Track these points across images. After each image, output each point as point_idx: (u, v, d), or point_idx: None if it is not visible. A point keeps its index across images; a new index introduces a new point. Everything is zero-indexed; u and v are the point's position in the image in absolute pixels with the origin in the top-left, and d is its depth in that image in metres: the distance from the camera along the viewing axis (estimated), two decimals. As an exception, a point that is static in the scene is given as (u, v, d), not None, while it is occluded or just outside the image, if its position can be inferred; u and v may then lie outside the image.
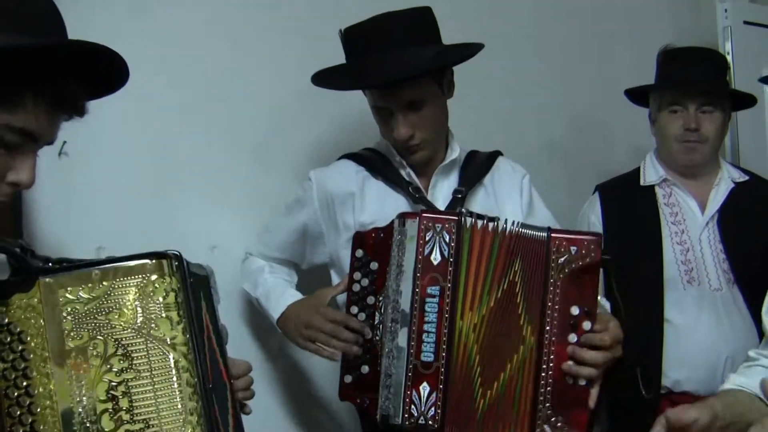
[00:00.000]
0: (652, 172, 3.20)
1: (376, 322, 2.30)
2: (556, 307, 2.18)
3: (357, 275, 2.33)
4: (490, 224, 2.23)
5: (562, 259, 2.17)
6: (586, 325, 2.17)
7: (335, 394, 2.38)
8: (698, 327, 3.00)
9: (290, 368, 3.03)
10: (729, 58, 4.01)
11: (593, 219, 3.20)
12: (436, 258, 2.20)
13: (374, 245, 2.31)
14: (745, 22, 4.17)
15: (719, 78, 3.19)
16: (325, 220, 2.62)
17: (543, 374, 2.17)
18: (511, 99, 3.69)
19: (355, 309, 2.33)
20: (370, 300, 2.31)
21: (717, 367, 2.91)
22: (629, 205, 3.19)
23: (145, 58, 2.72)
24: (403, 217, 2.26)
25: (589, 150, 3.96)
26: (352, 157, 2.67)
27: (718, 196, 3.13)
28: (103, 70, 1.70)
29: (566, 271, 2.17)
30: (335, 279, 2.66)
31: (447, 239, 2.20)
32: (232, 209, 2.91)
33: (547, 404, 2.18)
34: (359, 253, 2.33)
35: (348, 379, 2.33)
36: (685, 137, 3.07)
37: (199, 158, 2.84)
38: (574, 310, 2.18)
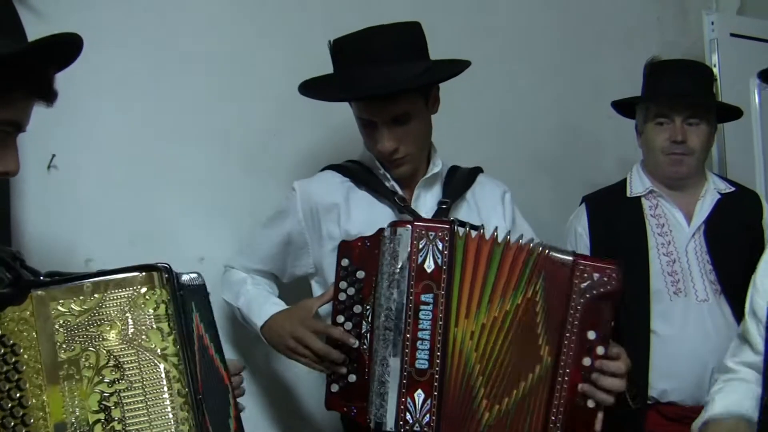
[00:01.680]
0: (638, 184, 3.21)
1: (363, 331, 2.31)
2: (575, 330, 2.22)
3: (343, 284, 2.34)
4: (492, 235, 2.27)
5: (585, 284, 2.21)
6: (600, 350, 2.22)
7: (321, 403, 2.39)
8: (685, 338, 3.01)
9: (274, 379, 3.03)
10: (716, 70, 4.02)
11: (580, 230, 3.21)
12: (429, 266, 2.23)
13: (360, 254, 2.32)
14: (732, 35, 4.19)
15: (706, 90, 3.20)
16: (309, 229, 2.62)
17: (557, 394, 2.21)
18: (498, 110, 3.71)
19: (341, 318, 2.34)
20: (357, 309, 2.32)
21: (704, 378, 2.92)
22: (616, 217, 3.20)
23: (135, 71, 2.75)
24: (394, 225, 2.28)
25: (576, 161, 3.98)
26: (336, 168, 2.68)
27: (704, 207, 3.14)
28: (68, 53, 1.78)
29: (587, 296, 2.21)
30: (316, 290, 2.67)
31: (440, 247, 2.23)
32: (220, 221, 2.92)
33: (558, 424, 2.22)
34: (345, 262, 2.34)
35: (335, 388, 2.35)
36: (671, 149, 3.08)
37: (187, 170, 2.85)
38: (591, 335, 2.22)
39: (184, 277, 1.84)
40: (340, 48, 2.49)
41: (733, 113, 3.27)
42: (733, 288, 2.97)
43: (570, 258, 2.25)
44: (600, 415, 2.23)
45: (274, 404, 3.03)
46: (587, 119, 3.97)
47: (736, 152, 4.09)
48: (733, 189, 3.22)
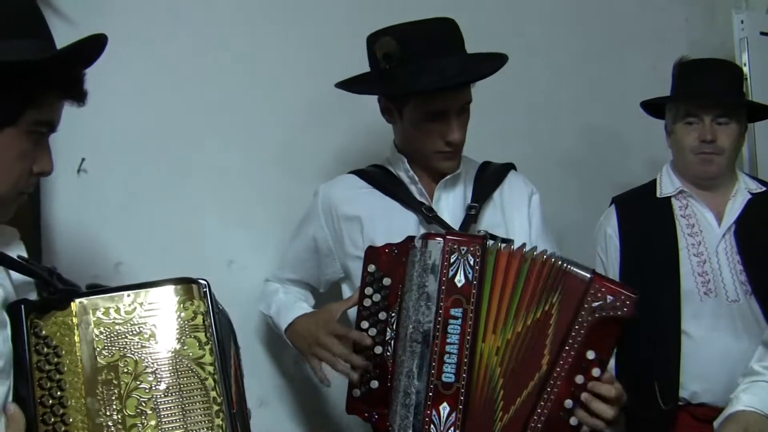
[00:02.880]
0: (668, 184, 3.20)
1: (387, 338, 2.32)
2: (575, 346, 2.21)
3: (368, 290, 2.34)
4: (520, 249, 2.28)
5: (596, 303, 2.21)
6: (596, 372, 2.21)
7: (342, 407, 2.41)
8: (715, 339, 3.00)
9: (298, 381, 3.06)
10: (746, 69, 4.01)
11: (610, 231, 3.20)
12: (460, 280, 2.24)
13: (387, 261, 2.33)
14: (762, 33, 4.16)
15: (735, 89, 3.19)
16: (331, 233, 2.64)
17: (542, 403, 2.22)
18: (526, 111, 3.72)
19: (365, 324, 2.35)
20: (382, 316, 2.33)
21: (735, 379, 2.87)
22: (646, 218, 3.19)
23: (165, 73, 2.77)
24: (426, 237, 2.29)
25: (604, 162, 3.98)
26: (358, 173, 2.69)
27: (734, 207, 3.12)
28: (95, 53, 1.80)
29: (596, 315, 2.21)
30: (346, 293, 2.69)
31: (471, 262, 2.24)
32: (249, 224, 2.95)
33: None
34: (371, 268, 2.34)
35: (356, 393, 2.36)
36: (701, 149, 3.06)
37: (216, 172, 2.88)
38: (590, 354, 2.22)
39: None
40: (408, 43, 2.44)
41: (764, 112, 3.25)
42: (764, 289, 2.96)
43: (588, 275, 2.25)
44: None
45: (298, 404, 3.06)
46: (615, 120, 3.96)
47: (766, 151, 4.07)
48: (764, 189, 3.20)
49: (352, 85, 2.60)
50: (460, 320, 2.23)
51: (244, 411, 1.91)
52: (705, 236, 3.10)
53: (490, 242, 2.29)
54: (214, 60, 2.87)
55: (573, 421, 2.21)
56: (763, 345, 2.42)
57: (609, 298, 2.21)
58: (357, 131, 3.08)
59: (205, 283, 1.75)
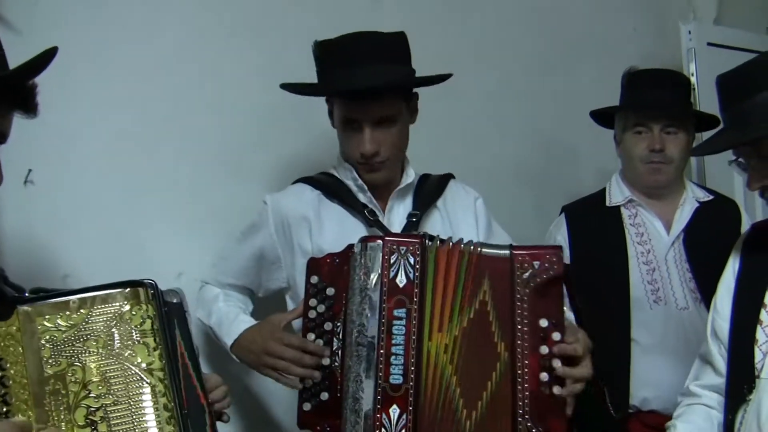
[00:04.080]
0: (617, 193, 3.23)
1: (334, 348, 2.30)
2: (525, 321, 2.22)
3: (313, 302, 2.32)
4: (457, 245, 2.28)
5: (526, 274, 2.23)
6: (556, 336, 2.22)
7: (294, 422, 2.37)
8: (665, 346, 3.03)
9: (247, 397, 3.01)
10: (693, 79, 4.06)
11: (560, 239, 3.22)
12: (401, 280, 2.23)
13: (330, 271, 2.32)
14: (709, 44, 4.23)
15: (683, 99, 3.23)
16: (281, 243, 2.61)
17: (519, 387, 2.21)
18: (477, 120, 3.72)
19: (311, 336, 2.32)
20: (327, 326, 2.31)
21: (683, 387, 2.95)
22: (595, 226, 3.22)
23: (112, 84, 2.74)
24: (365, 240, 2.29)
25: (554, 171, 4.00)
26: (307, 181, 2.67)
27: (683, 216, 3.17)
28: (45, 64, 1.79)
29: (531, 285, 2.23)
30: (290, 305, 2.66)
31: (412, 261, 2.24)
32: (199, 235, 2.90)
33: (526, 416, 2.21)
34: (314, 279, 2.32)
35: (307, 406, 2.32)
36: (649, 158, 3.10)
37: (165, 184, 2.84)
38: (543, 323, 2.22)
39: (167, 296, 1.84)
40: (326, 50, 2.49)
41: (711, 122, 3.29)
42: (712, 296, 3.00)
43: (507, 252, 2.27)
44: (570, 401, 2.24)
45: (249, 422, 3.01)
46: (565, 129, 3.98)
47: (714, 161, 4.10)
48: (711, 197, 3.25)
49: (296, 85, 2.60)
50: (404, 320, 2.21)
51: (201, 403, 1.88)
52: (654, 245, 3.14)
53: (429, 241, 2.28)
54: (163, 70, 2.83)
55: (556, 390, 2.21)
56: (699, 359, 2.44)
57: (536, 263, 2.23)
58: (307, 140, 3.06)
59: (152, 284, 1.72)
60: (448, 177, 2.78)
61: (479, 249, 2.28)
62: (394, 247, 2.25)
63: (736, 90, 2.17)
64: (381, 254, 2.24)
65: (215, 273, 2.78)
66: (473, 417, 2.22)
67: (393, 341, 2.21)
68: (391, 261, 2.24)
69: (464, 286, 2.26)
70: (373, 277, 2.24)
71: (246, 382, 2.99)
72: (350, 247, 2.32)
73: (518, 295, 2.22)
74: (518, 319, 2.22)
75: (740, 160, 2.20)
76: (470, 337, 2.24)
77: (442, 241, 2.30)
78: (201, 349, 2.81)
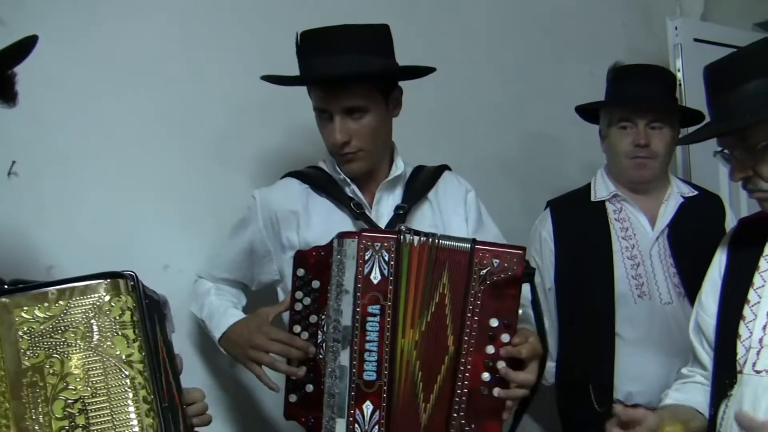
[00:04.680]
0: (602, 188, 3.24)
1: (319, 341, 2.31)
2: (476, 318, 2.20)
3: (299, 294, 2.33)
4: (428, 239, 2.26)
5: (484, 271, 2.20)
6: (505, 337, 2.20)
7: (281, 414, 2.39)
8: (649, 341, 3.05)
9: (237, 388, 3.01)
10: (679, 75, 4.06)
11: (545, 235, 3.24)
12: (376, 277, 2.22)
13: (315, 264, 2.32)
14: (696, 40, 4.23)
15: (669, 95, 3.24)
16: (270, 238, 2.61)
17: (459, 383, 2.20)
18: (464, 114, 3.72)
19: (297, 328, 2.33)
20: (313, 319, 2.32)
21: (668, 380, 2.91)
22: (580, 221, 3.23)
23: (96, 77, 2.72)
24: (342, 236, 2.28)
25: (541, 166, 4.00)
26: (295, 174, 2.67)
27: (667, 211, 3.18)
28: (24, 53, 1.78)
29: (487, 282, 2.20)
30: (281, 296, 2.65)
31: (386, 258, 2.23)
32: (185, 228, 2.90)
33: (461, 413, 2.20)
34: (300, 272, 2.33)
35: (293, 398, 2.34)
36: (635, 153, 3.11)
37: (151, 176, 2.83)
38: (493, 322, 2.20)
39: (149, 291, 1.84)
40: (305, 40, 2.48)
41: (697, 118, 3.29)
42: (696, 291, 3.00)
43: (468, 245, 2.23)
44: (509, 404, 2.22)
45: (237, 413, 3.02)
46: (552, 124, 3.98)
47: (699, 156, 4.12)
48: (696, 193, 3.26)
49: (276, 77, 2.59)
50: (378, 317, 2.21)
51: (177, 398, 1.88)
52: (638, 239, 3.15)
53: (408, 236, 2.27)
54: (149, 62, 2.82)
55: (496, 392, 2.20)
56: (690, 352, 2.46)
57: (495, 261, 2.20)
58: (294, 133, 3.06)
59: (132, 275, 1.71)
60: (442, 168, 2.77)
61: (440, 241, 2.25)
62: (369, 243, 2.23)
63: (722, 81, 2.17)
64: (356, 250, 2.23)
65: (208, 267, 2.79)
66: (426, 410, 2.22)
67: (367, 338, 2.21)
68: (366, 257, 2.23)
69: (431, 280, 2.24)
70: (348, 274, 2.23)
71: (234, 373, 2.99)
72: (333, 241, 2.32)
73: (472, 291, 2.20)
74: (468, 314, 2.20)
75: (725, 151, 2.19)
76: (430, 332, 2.24)
77: (417, 234, 2.28)
78: (193, 341, 2.84)
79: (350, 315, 2.22)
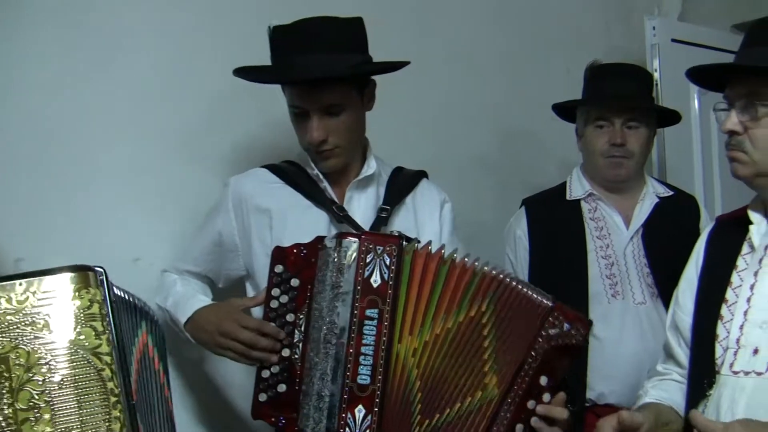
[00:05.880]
0: (577, 187, 3.24)
1: (295, 340, 2.28)
2: (531, 372, 2.21)
3: (276, 291, 2.30)
4: (438, 252, 2.26)
5: (554, 331, 2.20)
6: (546, 397, 2.21)
7: (249, 413, 2.35)
8: (622, 340, 3.04)
9: (203, 384, 2.99)
10: (657, 75, 4.08)
11: (519, 233, 3.24)
12: (375, 281, 2.21)
13: (296, 262, 2.29)
14: (673, 40, 4.24)
15: (645, 94, 3.24)
16: (239, 228, 2.60)
17: (495, 428, 2.20)
18: (440, 110, 3.72)
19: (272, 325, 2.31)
20: (290, 317, 2.29)
21: (641, 380, 2.91)
22: (555, 220, 3.22)
23: (69, 66, 2.71)
24: (340, 237, 2.26)
25: (518, 163, 4.01)
26: (271, 168, 2.66)
27: (642, 210, 3.18)
28: None
29: (552, 344, 2.20)
30: (250, 292, 2.64)
31: (387, 262, 2.22)
32: (156, 221, 2.89)
33: None
34: (279, 268, 2.30)
35: (263, 397, 2.30)
36: (610, 152, 3.11)
37: (123, 167, 2.82)
38: (543, 380, 2.21)
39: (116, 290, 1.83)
40: (279, 35, 2.47)
41: (673, 118, 3.31)
42: (670, 291, 2.99)
43: (550, 303, 2.22)
44: None
45: (205, 409, 3.00)
46: (531, 122, 3.98)
47: (675, 157, 4.14)
48: (671, 193, 3.27)
49: (248, 73, 2.58)
50: (375, 321, 2.20)
51: (154, 397, 1.86)
52: (613, 239, 3.15)
53: (406, 243, 2.27)
54: (120, 53, 2.80)
55: None
56: (663, 350, 2.46)
57: (566, 326, 2.21)
58: (266, 125, 3.05)
59: (101, 270, 1.71)
60: (421, 174, 2.77)
61: (518, 285, 2.26)
62: (371, 246, 2.23)
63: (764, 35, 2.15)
64: (357, 253, 2.22)
65: (175, 260, 2.77)
66: (424, 425, 2.21)
67: (363, 341, 2.20)
68: (367, 260, 2.22)
69: (442, 293, 2.24)
70: (347, 275, 2.22)
71: (202, 369, 2.97)
72: (319, 239, 2.29)
73: (536, 346, 2.20)
74: (525, 367, 2.21)
75: (723, 108, 2.19)
76: (447, 348, 2.23)
77: (418, 242, 2.29)
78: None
79: (347, 317, 2.21)
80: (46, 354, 1.61)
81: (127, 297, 1.92)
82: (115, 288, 1.78)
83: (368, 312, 2.21)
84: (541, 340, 2.20)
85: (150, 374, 1.87)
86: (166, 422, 1.98)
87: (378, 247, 2.23)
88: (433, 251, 2.28)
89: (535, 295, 2.24)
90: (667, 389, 2.36)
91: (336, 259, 2.24)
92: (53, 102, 2.68)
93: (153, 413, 1.86)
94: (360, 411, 2.18)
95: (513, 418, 2.20)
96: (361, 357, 2.19)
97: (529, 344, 2.20)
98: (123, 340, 1.71)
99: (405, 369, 2.22)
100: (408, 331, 2.22)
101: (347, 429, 2.18)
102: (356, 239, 2.24)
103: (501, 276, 2.26)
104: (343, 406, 2.19)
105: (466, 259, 2.27)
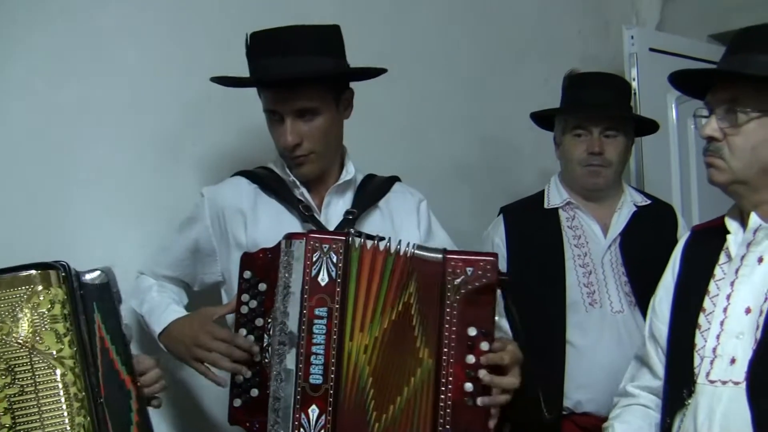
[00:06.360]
0: (555, 195, 3.24)
1: (265, 344, 2.26)
2: (453, 328, 2.17)
3: (245, 297, 2.29)
4: (381, 244, 2.23)
5: (458, 280, 2.17)
6: (484, 345, 2.17)
7: (225, 417, 2.34)
8: (600, 349, 3.04)
9: (179, 390, 2.95)
10: (635, 84, 4.08)
11: (497, 241, 3.22)
12: (323, 279, 2.19)
13: (263, 266, 2.28)
14: (651, 50, 4.25)
15: (623, 103, 3.25)
16: (216, 237, 2.59)
17: (442, 396, 2.17)
18: (417, 118, 3.71)
19: (243, 331, 2.29)
20: (259, 322, 2.27)
21: (617, 389, 2.94)
22: (533, 228, 3.22)
23: (43, 71, 2.68)
24: (289, 237, 2.24)
25: (496, 171, 4.00)
26: (245, 174, 2.65)
27: (620, 219, 3.18)
28: None
29: (462, 292, 2.17)
30: (225, 299, 2.63)
31: (334, 260, 2.19)
32: (132, 226, 2.86)
33: (447, 426, 2.17)
34: (247, 274, 2.29)
35: (237, 402, 2.29)
36: (588, 161, 3.11)
37: (97, 173, 2.79)
38: (471, 331, 2.17)
39: (87, 276, 1.78)
40: (255, 39, 2.46)
41: (651, 127, 3.31)
42: (647, 300, 2.98)
43: (440, 255, 2.21)
44: (494, 412, 2.20)
45: (181, 416, 2.97)
46: (508, 130, 3.98)
47: (653, 166, 4.14)
48: (649, 202, 3.27)
49: (224, 78, 2.58)
50: (325, 320, 2.17)
51: (127, 389, 1.82)
52: (591, 247, 3.15)
53: (357, 240, 2.24)
54: (97, 56, 2.79)
55: (480, 401, 2.16)
56: (635, 360, 2.44)
57: (468, 270, 2.17)
58: (242, 131, 3.03)
59: (64, 266, 1.66)
60: (393, 179, 2.76)
61: (412, 250, 2.23)
62: (317, 244, 2.20)
63: (753, 43, 2.15)
64: (304, 252, 2.20)
65: (151, 264, 2.75)
66: (382, 420, 2.18)
67: (313, 340, 2.17)
68: (314, 259, 2.19)
69: (388, 286, 2.22)
70: (296, 275, 2.20)
71: (178, 375, 2.93)
72: (281, 242, 2.28)
73: (448, 302, 2.18)
74: (446, 326, 2.18)
75: (703, 114, 2.19)
76: (390, 339, 2.21)
77: (370, 238, 2.26)
78: (134, 340, 2.78)
79: (297, 317, 2.18)
80: (4, 360, 1.57)
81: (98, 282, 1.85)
82: (85, 275, 1.73)
83: (317, 311, 2.18)
84: (449, 293, 2.18)
85: (107, 366, 1.81)
86: (127, 405, 1.92)
87: (324, 245, 2.20)
88: (381, 243, 2.25)
89: (427, 254, 2.23)
90: (631, 421, 2.34)
91: (286, 260, 2.23)
92: (25, 106, 2.65)
93: (120, 403, 1.80)
94: (314, 411, 2.16)
95: (458, 379, 2.17)
96: (313, 357, 2.17)
97: (440, 301, 2.18)
98: (89, 339, 1.66)
99: (357, 367, 2.19)
100: (359, 328, 2.20)
101: (302, 429, 2.16)
102: (302, 238, 2.22)
103: (403, 250, 2.23)
104: (297, 407, 2.16)
105: (398, 247, 2.24)
